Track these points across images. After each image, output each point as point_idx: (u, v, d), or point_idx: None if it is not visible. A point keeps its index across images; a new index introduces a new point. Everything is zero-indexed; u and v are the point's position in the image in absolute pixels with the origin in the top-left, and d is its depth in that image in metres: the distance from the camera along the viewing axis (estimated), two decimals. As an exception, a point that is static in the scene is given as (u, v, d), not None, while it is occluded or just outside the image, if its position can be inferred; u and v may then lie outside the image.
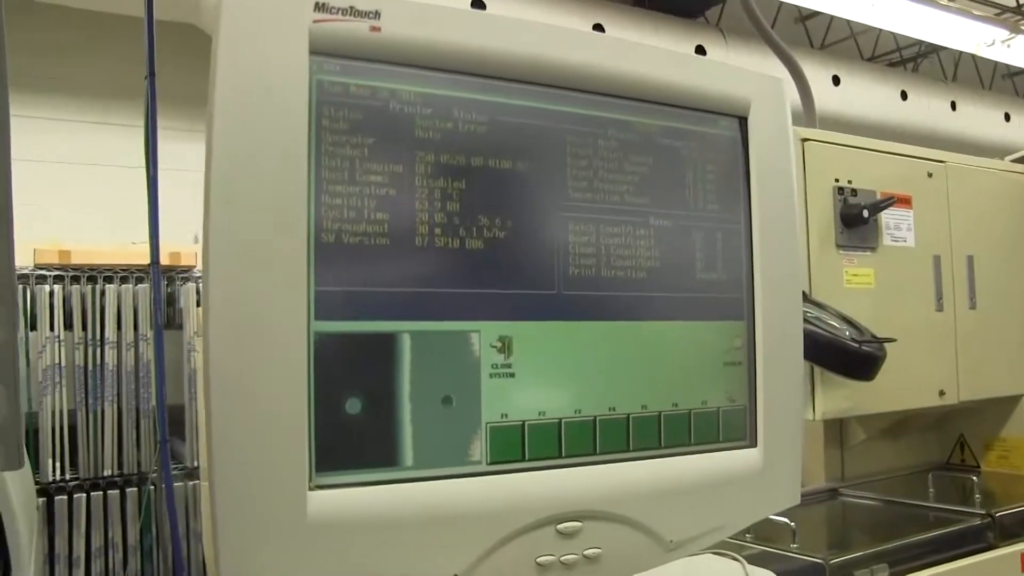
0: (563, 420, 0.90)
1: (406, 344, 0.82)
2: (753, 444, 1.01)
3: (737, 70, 1.04)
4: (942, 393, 1.93)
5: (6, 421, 1.54)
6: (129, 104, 4.46)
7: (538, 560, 0.86)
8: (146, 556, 3.71)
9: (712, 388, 0.99)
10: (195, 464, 3.32)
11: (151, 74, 2.72)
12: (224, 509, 0.74)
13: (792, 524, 1.46)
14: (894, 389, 1.79)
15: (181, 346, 3.69)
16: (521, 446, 0.87)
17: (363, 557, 0.79)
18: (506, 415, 0.87)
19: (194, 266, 4.06)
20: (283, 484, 0.76)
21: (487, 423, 0.86)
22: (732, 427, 1.00)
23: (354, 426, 0.80)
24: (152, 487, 3.79)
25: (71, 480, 3.45)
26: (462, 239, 0.86)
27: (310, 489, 0.77)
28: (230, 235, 0.75)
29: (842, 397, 1.74)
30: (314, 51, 0.80)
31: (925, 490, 1.94)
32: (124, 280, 3.82)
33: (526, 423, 0.88)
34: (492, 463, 0.86)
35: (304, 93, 0.79)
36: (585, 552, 0.88)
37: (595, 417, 0.91)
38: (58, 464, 3.34)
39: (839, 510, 1.94)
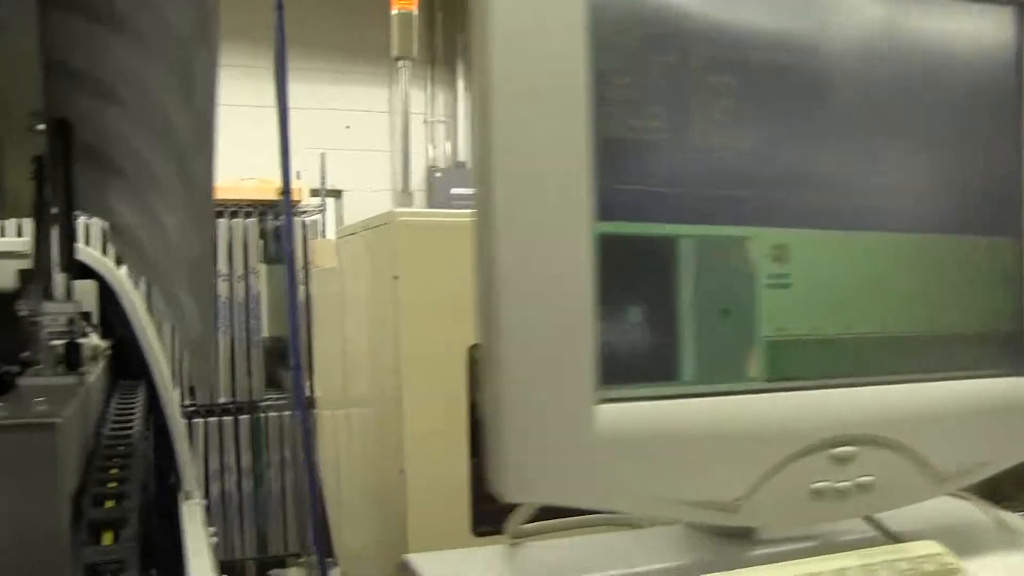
0: (838, 336, 0.82)
1: (686, 249, 0.76)
2: (1028, 374, 0.91)
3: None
4: None
5: (201, 338, 1.52)
6: (225, 43, 4.40)
7: (812, 486, 0.80)
8: (258, 480, 3.78)
9: (990, 310, 0.90)
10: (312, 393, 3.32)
11: (279, 6, 2.67)
12: (510, 425, 0.69)
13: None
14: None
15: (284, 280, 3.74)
16: (798, 363, 0.80)
17: (648, 476, 0.73)
18: (782, 329, 0.80)
19: (300, 201, 4.06)
20: (570, 398, 0.70)
21: (764, 337, 0.79)
22: (1011, 354, 0.91)
23: (637, 337, 0.74)
24: (263, 415, 3.84)
25: (190, 406, 3.51)
26: (737, 140, 0.79)
27: (596, 403, 0.71)
28: (512, 132, 0.69)
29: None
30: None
31: None
32: (234, 215, 3.85)
33: (801, 338, 0.81)
34: (770, 380, 0.79)
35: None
36: (858, 480, 0.81)
37: (870, 335, 0.84)
38: (177, 391, 3.40)
39: None
